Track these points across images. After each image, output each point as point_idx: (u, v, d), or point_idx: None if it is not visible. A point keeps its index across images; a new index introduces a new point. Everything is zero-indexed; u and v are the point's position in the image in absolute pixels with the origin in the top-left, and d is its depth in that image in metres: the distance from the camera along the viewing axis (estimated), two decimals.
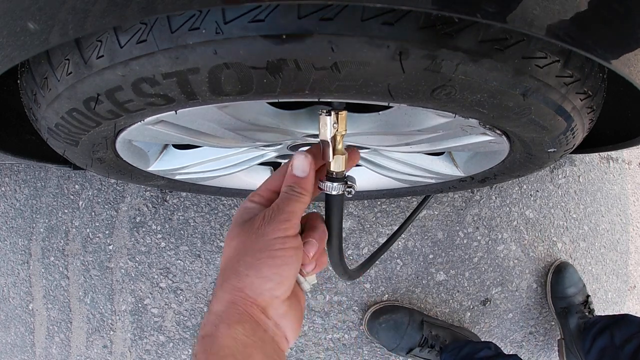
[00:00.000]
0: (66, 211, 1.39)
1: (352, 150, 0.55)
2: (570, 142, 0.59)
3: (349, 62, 0.38)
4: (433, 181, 1.08)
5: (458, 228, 1.45)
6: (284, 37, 0.36)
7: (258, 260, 0.44)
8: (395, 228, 1.34)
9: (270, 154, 0.93)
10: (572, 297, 1.39)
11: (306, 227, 0.53)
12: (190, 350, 1.39)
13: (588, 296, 1.41)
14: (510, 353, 1.22)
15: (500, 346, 1.29)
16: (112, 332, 1.40)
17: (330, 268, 1.40)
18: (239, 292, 0.44)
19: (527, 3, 0.31)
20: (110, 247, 1.38)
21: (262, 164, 1.07)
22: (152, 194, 1.39)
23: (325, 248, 0.57)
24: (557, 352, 1.46)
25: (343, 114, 0.51)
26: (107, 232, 1.38)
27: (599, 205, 1.58)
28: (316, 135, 0.72)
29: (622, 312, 1.43)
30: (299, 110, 0.68)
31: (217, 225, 1.38)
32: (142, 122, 0.53)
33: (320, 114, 0.51)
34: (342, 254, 0.62)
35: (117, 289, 1.39)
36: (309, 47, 0.36)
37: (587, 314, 1.36)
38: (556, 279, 1.44)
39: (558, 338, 1.45)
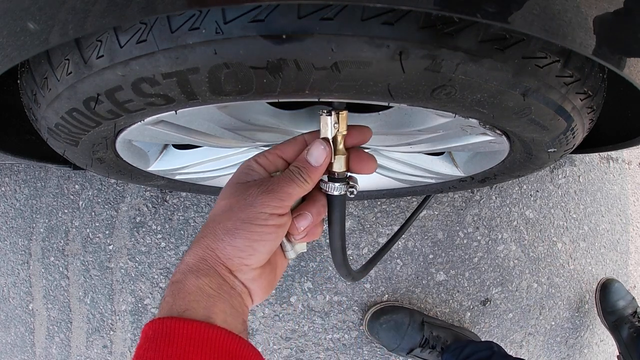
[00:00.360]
0: (66, 211, 1.39)
1: (360, 128, 0.54)
2: (570, 142, 0.59)
3: (349, 62, 0.38)
4: (433, 181, 1.08)
5: (458, 228, 1.45)
6: (284, 37, 0.36)
7: (236, 229, 0.45)
8: (396, 228, 1.34)
9: None
10: (622, 309, 1.43)
11: (307, 197, 0.52)
12: None
13: (638, 307, 1.45)
14: (516, 356, 1.21)
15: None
16: (112, 332, 1.40)
17: (331, 268, 1.40)
18: (210, 252, 0.45)
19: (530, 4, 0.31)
20: (110, 247, 1.38)
21: None
22: (152, 194, 1.39)
23: (329, 240, 0.57)
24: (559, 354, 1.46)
25: (344, 114, 0.51)
26: (107, 232, 1.38)
27: (599, 205, 1.58)
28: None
29: None
30: (299, 110, 0.68)
31: None
32: (142, 122, 0.53)
33: (321, 114, 0.51)
34: (346, 255, 0.61)
35: (117, 289, 1.39)
36: (309, 47, 0.36)
37: (637, 323, 1.39)
38: (603, 295, 1.48)
39: (617, 354, 1.48)
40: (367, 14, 0.35)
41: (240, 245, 0.45)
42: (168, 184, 1.08)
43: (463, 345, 1.25)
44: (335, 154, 0.51)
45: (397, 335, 1.31)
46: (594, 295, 1.53)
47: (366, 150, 0.90)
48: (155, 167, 0.91)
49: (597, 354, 1.62)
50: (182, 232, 1.38)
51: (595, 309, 1.52)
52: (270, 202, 0.46)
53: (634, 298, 1.47)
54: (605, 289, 1.48)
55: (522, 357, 1.11)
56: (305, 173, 0.48)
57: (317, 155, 0.49)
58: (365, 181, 1.16)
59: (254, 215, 0.45)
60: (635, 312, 1.43)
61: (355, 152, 0.53)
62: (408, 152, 0.88)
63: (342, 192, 0.53)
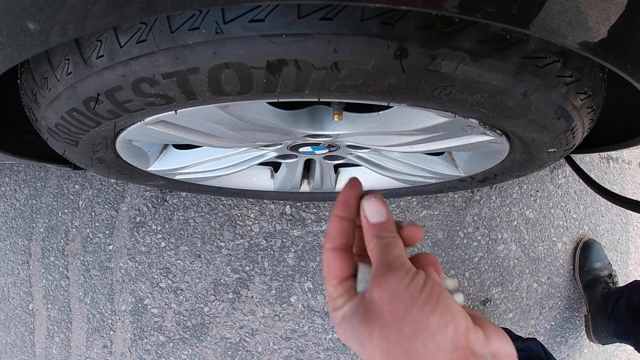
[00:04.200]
0: (66, 211, 1.39)
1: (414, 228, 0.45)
2: (571, 142, 0.59)
3: (349, 62, 0.38)
4: (433, 181, 1.08)
5: (458, 228, 1.45)
6: (284, 37, 0.36)
7: (417, 322, 0.35)
8: None
9: (270, 154, 0.93)
10: (599, 270, 1.48)
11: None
12: (190, 350, 1.39)
13: (613, 270, 1.50)
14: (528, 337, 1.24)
15: None
16: (112, 332, 1.40)
17: None
18: None
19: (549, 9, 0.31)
20: (110, 247, 1.38)
21: (262, 164, 1.07)
22: (152, 194, 1.38)
23: None
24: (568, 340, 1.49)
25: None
26: (107, 232, 1.38)
27: (599, 205, 1.58)
28: (316, 135, 0.72)
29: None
30: (299, 110, 0.68)
31: (217, 225, 1.38)
32: (142, 122, 0.53)
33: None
34: None
35: (117, 289, 1.39)
36: (309, 47, 0.36)
37: (611, 284, 1.45)
38: (584, 254, 1.52)
39: (584, 314, 1.54)
40: (367, 14, 0.35)
41: (436, 320, 0.35)
42: (168, 184, 1.08)
43: None
44: None
45: None
46: (573, 253, 1.57)
47: (366, 150, 0.90)
48: (155, 167, 0.91)
49: (597, 354, 1.62)
50: (182, 232, 1.38)
51: (572, 266, 1.56)
52: (398, 274, 0.38)
53: (610, 262, 1.52)
54: (587, 249, 1.52)
55: (540, 341, 1.13)
56: (386, 231, 0.42)
57: (376, 209, 0.43)
58: (365, 181, 1.16)
59: (410, 296, 0.37)
60: (611, 274, 1.48)
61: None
62: (408, 152, 0.88)
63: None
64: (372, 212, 0.43)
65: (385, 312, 0.37)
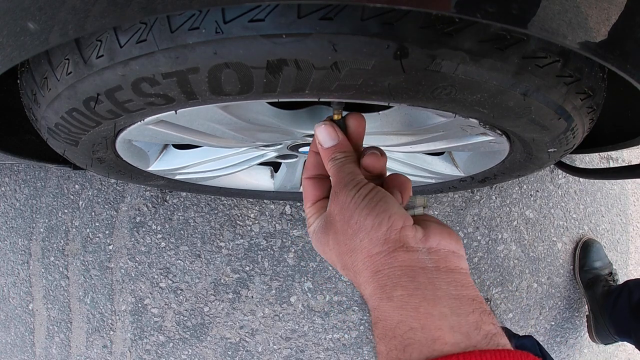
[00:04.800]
0: (66, 211, 1.39)
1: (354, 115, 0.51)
2: (571, 142, 0.59)
3: (349, 62, 0.38)
4: (433, 181, 1.08)
5: (458, 228, 1.45)
6: (284, 36, 0.36)
7: (357, 223, 0.41)
8: None
9: (270, 154, 0.93)
10: (599, 269, 1.49)
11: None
12: (190, 350, 1.39)
13: (613, 269, 1.50)
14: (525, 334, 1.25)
15: None
16: (112, 332, 1.40)
17: (331, 268, 1.40)
18: (371, 258, 0.39)
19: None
20: (110, 247, 1.38)
21: (262, 164, 1.07)
22: (152, 194, 1.38)
23: None
24: (559, 345, 1.48)
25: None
26: (107, 232, 1.38)
27: (599, 205, 1.58)
28: None
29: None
30: (299, 110, 0.68)
31: (217, 225, 1.38)
32: (142, 122, 0.53)
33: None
34: None
35: (117, 289, 1.39)
36: (309, 47, 0.36)
37: (611, 282, 1.46)
38: (584, 254, 1.53)
39: (586, 314, 1.54)
40: (367, 14, 0.35)
41: (371, 220, 0.40)
42: (168, 184, 1.08)
43: None
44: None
45: None
46: (573, 252, 1.57)
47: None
48: (155, 167, 0.91)
49: (597, 354, 1.62)
50: (182, 232, 1.38)
51: (572, 266, 1.57)
52: (348, 188, 0.43)
53: (610, 262, 1.52)
54: (587, 248, 1.52)
55: (536, 339, 1.14)
56: (338, 153, 0.47)
57: (326, 135, 0.48)
58: None
59: (354, 203, 0.42)
60: (611, 273, 1.49)
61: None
62: (408, 152, 0.88)
63: None
64: (324, 137, 0.48)
65: (337, 220, 0.43)
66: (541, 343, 1.51)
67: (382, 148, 0.50)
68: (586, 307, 1.54)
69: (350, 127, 0.51)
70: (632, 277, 1.63)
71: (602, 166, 1.59)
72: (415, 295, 0.36)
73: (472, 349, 0.32)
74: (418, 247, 0.39)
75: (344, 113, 0.52)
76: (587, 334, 1.55)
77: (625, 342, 1.41)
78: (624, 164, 1.60)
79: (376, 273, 0.38)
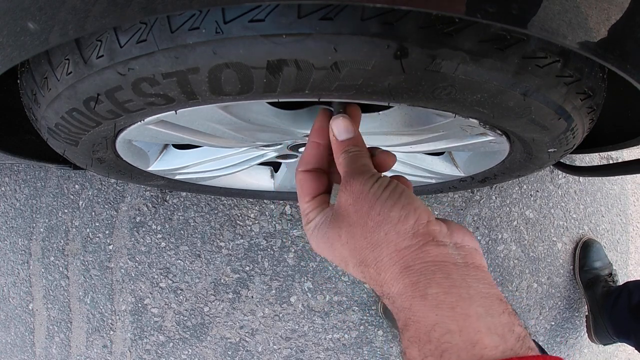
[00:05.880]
0: (66, 211, 1.39)
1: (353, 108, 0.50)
2: (571, 142, 0.59)
3: (349, 62, 0.38)
4: (433, 181, 1.08)
5: None
6: (284, 36, 0.36)
7: (380, 215, 0.38)
8: None
9: (270, 154, 0.93)
10: (599, 270, 1.49)
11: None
12: (190, 350, 1.39)
13: (613, 269, 1.50)
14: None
15: None
16: (112, 332, 1.40)
17: (331, 268, 1.40)
18: (399, 252, 0.36)
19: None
20: (110, 247, 1.38)
21: (262, 164, 1.06)
22: (152, 194, 1.38)
23: None
24: (560, 345, 1.48)
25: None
26: (107, 232, 1.38)
27: (599, 205, 1.58)
28: None
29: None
30: (299, 110, 0.67)
31: (217, 225, 1.38)
32: (142, 122, 0.53)
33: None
34: None
35: (117, 289, 1.39)
36: (309, 47, 0.36)
37: (611, 283, 1.46)
38: (584, 254, 1.53)
39: (585, 314, 1.54)
40: (367, 14, 0.35)
41: (399, 212, 0.37)
42: (168, 184, 1.08)
43: None
44: None
45: None
46: (573, 253, 1.57)
47: None
48: (155, 167, 0.91)
49: (597, 354, 1.62)
50: (182, 232, 1.38)
51: (572, 266, 1.57)
52: (363, 177, 0.41)
53: (610, 262, 1.52)
54: (587, 248, 1.52)
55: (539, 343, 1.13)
56: (352, 146, 0.45)
57: (344, 127, 0.46)
58: None
59: (373, 193, 0.39)
60: (611, 273, 1.49)
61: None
62: (408, 152, 0.88)
63: None
64: (340, 130, 0.46)
65: (350, 212, 0.40)
66: (541, 343, 1.51)
67: (382, 148, 0.50)
68: (586, 307, 1.54)
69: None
70: (632, 277, 1.63)
71: None
72: (451, 294, 0.33)
73: (510, 353, 0.31)
74: (446, 242, 0.37)
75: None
76: (586, 333, 1.55)
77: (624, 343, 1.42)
78: None
79: (407, 269, 0.35)
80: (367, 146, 0.48)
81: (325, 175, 0.49)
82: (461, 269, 0.35)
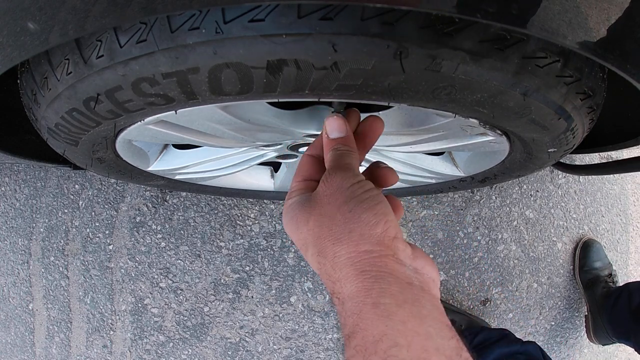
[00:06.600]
0: (66, 211, 1.39)
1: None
2: (571, 142, 0.59)
3: (349, 62, 0.38)
4: (433, 181, 1.08)
5: (458, 228, 1.45)
6: (284, 36, 0.36)
7: (351, 212, 0.38)
8: None
9: (270, 154, 0.93)
10: (599, 270, 1.48)
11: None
12: (190, 350, 1.39)
13: (613, 270, 1.50)
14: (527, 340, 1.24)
15: None
16: (112, 332, 1.40)
17: None
18: (359, 254, 0.36)
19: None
20: (110, 247, 1.38)
21: (262, 164, 1.06)
22: (152, 194, 1.38)
23: None
24: (562, 345, 1.49)
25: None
26: (107, 232, 1.38)
27: (599, 205, 1.58)
28: (316, 135, 0.72)
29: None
30: (299, 110, 0.68)
31: (217, 225, 1.38)
32: (142, 122, 0.53)
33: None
34: None
35: (117, 289, 1.39)
36: (309, 47, 0.36)
37: (610, 284, 1.46)
38: (584, 254, 1.52)
39: (584, 314, 1.54)
40: (367, 14, 0.35)
41: (370, 218, 0.37)
42: (168, 184, 1.08)
43: (477, 331, 1.26)
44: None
45: None
46: (573, 253, 1.57)
47: None
48: (155, 167, 0.91)
49: (597, 354, 1.62)
50: (182, 232, 1.38)
51: (572, 266, 1.57)
52: (346, 175, 0.41)
53: (610, 262, 1.52)
54: (587, 248, 1.52)
55: (539, 345, 1.13)
56: (342, 145, 0.46)
57: (336, 126, 0.47)
58: None
59: (351, 192, 0.40)
60: (611, 274, 1.49)
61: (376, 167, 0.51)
62: (408, 152, 0.88)
63: None
64: (332, 128, 0.47)
65: (324, 202, 0.40)
66: (541, 343, 1.51)
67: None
68: (585, 307, 1.54)
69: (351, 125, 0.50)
70: (632, 277, 1.63)
71: None
72: (403, 308, 0.33)
73: None
74: (406, 263, 0.37)
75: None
76: (585, 333, 1.55)
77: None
78: None
79: (362, 272, 0.35)
80: (374, 160, 0.49)
81: (323, 165, 0.50)
82: (416, 289, 0.35)
